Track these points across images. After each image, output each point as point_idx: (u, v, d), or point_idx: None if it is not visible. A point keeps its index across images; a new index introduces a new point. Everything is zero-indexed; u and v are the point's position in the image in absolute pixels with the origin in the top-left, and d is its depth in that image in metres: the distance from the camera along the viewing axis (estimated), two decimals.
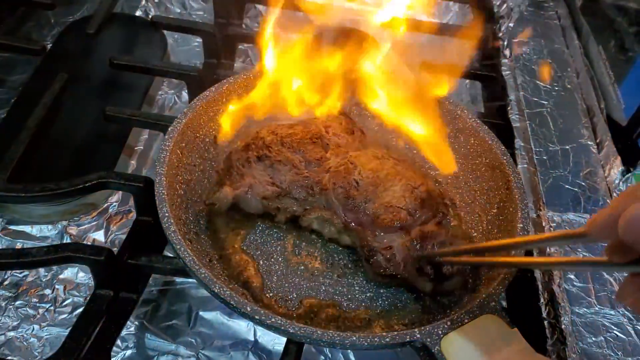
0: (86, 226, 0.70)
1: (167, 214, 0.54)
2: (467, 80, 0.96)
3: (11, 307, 0.61)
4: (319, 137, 0.64)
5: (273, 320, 0.48)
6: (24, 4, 0.90)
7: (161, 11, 1.03)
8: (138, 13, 1.00)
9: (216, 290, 0.49)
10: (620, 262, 0.36)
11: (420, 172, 0.64)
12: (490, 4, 1.03)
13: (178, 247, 0.52)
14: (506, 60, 0.92)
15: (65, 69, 0.79)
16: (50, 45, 0.88)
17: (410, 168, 0.63)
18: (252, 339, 0.61)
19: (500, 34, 0.98)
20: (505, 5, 1.03)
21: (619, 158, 0.74)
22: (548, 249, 0.63)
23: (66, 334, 0.55)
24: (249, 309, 0.48)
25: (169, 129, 0.62)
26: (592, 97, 0.85)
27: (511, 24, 0.99)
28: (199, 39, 0.91)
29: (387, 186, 0.60)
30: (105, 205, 0.72)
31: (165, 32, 0.92)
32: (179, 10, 1.05)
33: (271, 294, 0.58)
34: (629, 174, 0.73)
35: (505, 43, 0.96)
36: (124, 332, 0.59)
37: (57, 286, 0.64)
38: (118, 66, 0.79)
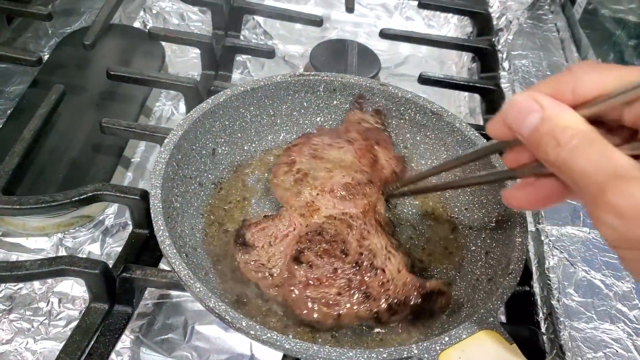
0: (82, 238, 0.69)
1: (162, 227, 0.53)
2: (466, 93, 0.96)
3: (5, 320, 0.61)
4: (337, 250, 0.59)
5: (269, 335, 0.47)
6: (21, 14, 0.90)
7: (159, 22, 1.03)
8: (136, 24, 1.00)
9: (211, 305, 0.48)
10: (512, 167, 0.45)
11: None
12: (488, 17, 1.03)
13: (173, 260, 0.51)
14: (505, 73, 0.92)
15: (62, 80, 0.79)
16: (47, 56, 0.88)
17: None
18: (249, 353, 0.61)
19: (499, 47, 0.98)
20: (504, 18, 1.03)
21: None
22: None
23: (60, 347, 0.54)
24: (244, 324, 0.47)
25: (165, 140, 0.61)
26: None
27: (510, 37, 0.99)
28: (197, 50, 0.91)
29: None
30: (101, 217, 0.71)
31: (163, 43, 0.92)
32: (177, 22, 1.05)
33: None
34: None
35: (504, 55, 0.96)
36: (119, 346, 0.58)
37: (51, 299, 0.63)
38: (115, 77, 0.78)
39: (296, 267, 0.55)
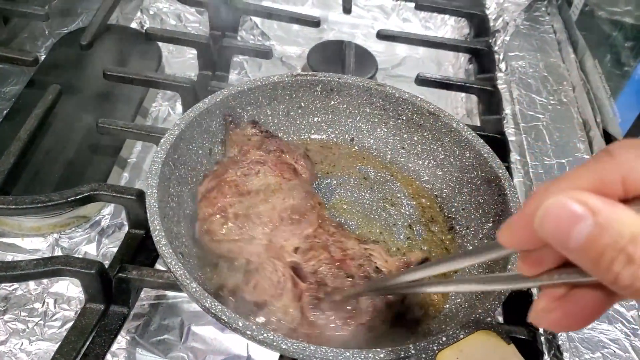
0: (78, 239, 0.69)
1: (158, 227, 0.53)
2: (463, 94, 0.96)
3: (0, 320, 0.60)
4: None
5: (265, 335, 0.47)
6: (18, 15, 0.90)
7: (156, 23, 1.03)
8: (133, 25, 1.00)
9: (207, 305, 0.48)
10: (532, 273, 0.33)
11: None
12: (485, 18, 1.03)
13: (169, 260, 0.51)
14: (502, 74, 0.92)
15: (58, 81, 0.78)
16: (44, 56, 0.88)
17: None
18: (245, 354, 0.60)
19: (496, 48, 0.98)
20: (500, 19, 1.03)
21: None
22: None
23: (55, 348, 0.54)
24: (240, 324, 0.47)
25: (161, 140, 0.61)
26: (588, 110, 0.85)
27: (507, 38, 0.99)
28: (194, 51, 0.91)
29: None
30: (97, 217, 0.71)
31: (159, 43, 0.92)
32: (174, 22, 1.04)
33: None
34: None
35: (501, 57, 0.96)
36: (114, 347, 0.58)
37: (47, 300, 0.63)
38: (112, 78, 0.78)
39: (315, 313, 0.53)
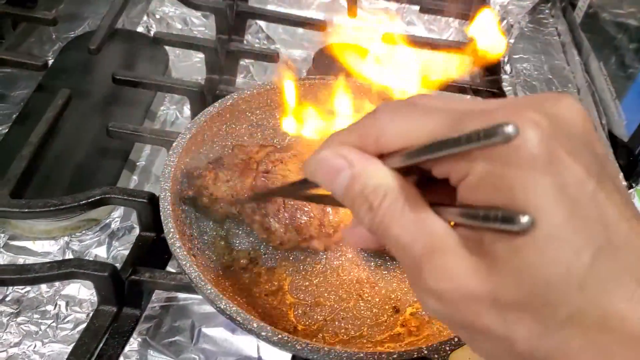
0: (88, 242, 0.69)
1: (172, 230, 0.54)
2: (468, 96, 0.97)
3: (13, 323, 0.61)
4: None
5: (280, 337, 0.47)
6: (26, 19, 0.90)
7: (162, 27, 1.03)
8: (140, 29, 1.00)
9: (222, 307, 0.49)
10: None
11: None
12: None
13: (184, 262, 0.51)
14: (507, 76, 0.93)
15: (66, 85, 0.78)
16: (52, 60, 0.88)
17: None
18: (256, 355, 0.61)
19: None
20: (505, 22, 1.04)
21: (621, 174, 0.74)
22: None
23: (68, 350, 0.54)
24: (255, 325, 0.48)
25: (174, 144, 0.62)
26: (594, 113, 0.85)
27: (511, 40, 1.00)
28: (200, 55, 0.92)
29: None
30: (108, 220, 0.71)
31: (166, 47, 0.92)
32: (180, 26, 1.05)
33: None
34: (632, 190, 0.73)
35: (506, 59, 0.96)
36: (126, 349, 0.58)
37: (59, 302, 0.63)
38: (121, 82, 0.79)
39: None
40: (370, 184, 0.31)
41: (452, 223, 0.29)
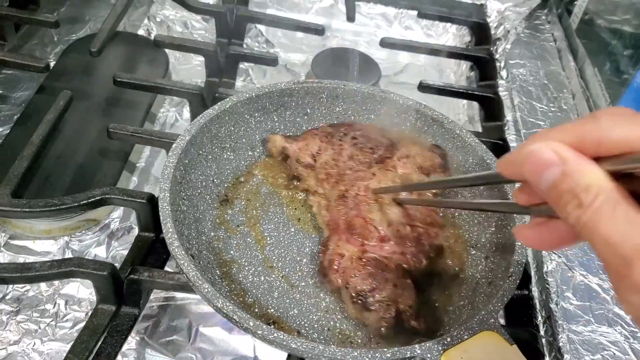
0: (88, 242, 0.70)
1: (171, 229, 0.54)
2: (465, 101, 0.98)
3: (12, 321, 0.62)
4: (377, 149, 0.71)
5: (275, 335, 0.48)
6: (29, 22, 0.91)
7: (163, 30, 1.04)
8: (140, 32, 1.01)
9: (219, 305, 0.49)
10: (524, 204, 0.40)
11: (435, 220, 0.66)
12: (487, 26, 1.05)
13: (182, 262, 0.52)
14: (503, 82, 0.94)
15: (68, 86, 0.80)
16: (54, 62, 0.89)
17: (426, 211, 0.65)
18: (252, 354, 0.62)
19: (497, 56, 1.00)
20: (502, 28, 1.05)
21: None
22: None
23: (67, 348, 0.55)
24: (251, 324, 0.49)
25: (173, 145, 0.62)
26: None
27: (508, 46, 1.01)
28: (201, 58, 0.93)
29: (382, 209, 0.63)
30: (107, 221, 0.72)
31: (167, 50, 0.93)
32: (180, 30, 1.06)
33: (272, 310, 0.58)
34: None
35: (502, 64, 0.97)
36: (124, 347, 0.59)
37: (58, 301, 0.64)
38: (122, 84, 0.80)
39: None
40: (582, 182, 0.32)
41: None
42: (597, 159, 0.33)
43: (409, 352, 0.49)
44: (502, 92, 0.91)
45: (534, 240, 0.40)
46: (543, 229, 0.39)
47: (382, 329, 0.56)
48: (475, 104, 0.95)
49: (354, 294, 0.57)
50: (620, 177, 0.32)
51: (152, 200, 0.63)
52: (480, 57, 0.99)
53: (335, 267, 0.59)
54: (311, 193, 0.68)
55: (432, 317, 0.59)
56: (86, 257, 0.69)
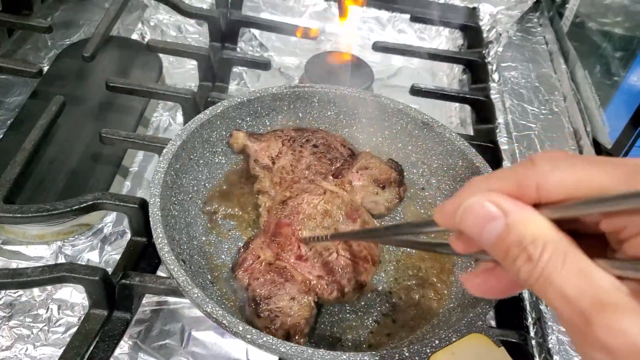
0: (80, 246, 0.70)
1: (161, 235, 0.55)
2: (457, 104, 0.98)
3: (5, 326, 0.62)
4: (336, 161, 0.70)
5: (265, 339, 0.48)
6: (22, 27, 0.91)
7: (157, 35, 1.05)
8: (134, 36, 1.01)
9: (209, 310, 0.50)
10: (461, 251, 0.37)
11: (370, 257, 0.63)
12: (479, 30, 1.05)
13: (171, 267, 0.52)
14: (495, 84, 0.94)
15: (61, 91, 0.80)
16: (47, 67, 0.89)
17: (365, 246, 0.62)
18: (245, 358, 0.62)
19: (489, 59, 1.00)
20: (494, 31, 1.05)
21: None
22: None
23: (60, 353, 0.55)
24: (240, 328, 0.49)
25: (164, 150, 0.63)
26: (579, 120, 0.87)
27: (500, 49, 1.01)
28: (194, 62, 0.93)
29: (315, 230, 0.61)
30: (100, 225, 0.72)
31: (160, 55, 0.93)
32: (174, 34, 1.06)
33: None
34: None
35: (494, 67, 0.98)
36: (117, 352, 0.59)
37: (51, 306, 0.64)
38: (115, 89, 0.80)
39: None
40: (528, 234, 0.30)
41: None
42: (538, 206, 0.32)
43: (397, 355, 0.49)
44: (494, 95, 0.91)
45: (483, 289, 0.37)
46: (491, 277, 0.36)
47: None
48: (467, 107, 0.95)
49: (250, 296, 0.57)
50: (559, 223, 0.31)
51: (144, 205, 0.64)
52: (473, 60, 0.99)
53: (245, 266, 0.59)
54: (262, 193, 0.68)
55: (420, 318, 0.60)
56: (79, 261, 0.69)
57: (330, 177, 0.68)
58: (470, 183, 0.34)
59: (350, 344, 0.58)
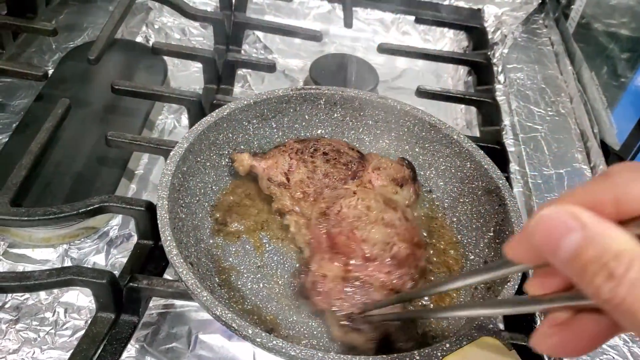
0: (87, 249, 0.70)
1: (169, 237, 0.55)
2: (463, 106, 0.98)
3: (12, 330, 0.62)
4: (351, 164, 0.69)
5: (274, 342, 0.48)
6: (27, 30, 0.91)
7: (161, 37, 1.04)
8: (139, 39, 1.01)
9: (218, 313, 0.49)
10: (536, 292, 0.34)
11: (421, 241, 0.64)
12: (484, 31, 1.05)
13: (180, 270, 0.52)
14: (500, 86, 0.94)
15: (66, 94, 0.80)
16: (52, 70, 0.89)
17: (413, 231, 0.63)
18: None
19: (495, 60, 1.00)
20: (499, 32, 1.05)
21: None
22: None
23: (67, 357, 0.55)
24: (250, 331, 0.49)
25: (171, 153, 0.63)
26: (586, 121, 0.87)
27: (505, 50, 1.01)
28: (198, 65, 0.93)
29: (367, 228, 0.61)
30: (106, 229, 0.72)
31: (165, 57, 0.93)
32: (178, 37, 1.06)
33: (272, 317, 0.58)
34: None
35: (500, 69, 0.98)
36: (124, 355, 0.59)
37: (57, 309, 0.64)
38: (120, 92, 0.80)
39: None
40: (611, 250, 0.27)
41: None
42: (621, 223, 0.29)
43: (407, 359, 0.49)
44: (500, 97, 0.91)
45: (559, 349, 0.32)
46: (567, 332, 0.32)
47: (370, 350, 0.55)
48: (473, 109, 0.95)
49: (340, 317, 0.56)
50: None
51: (151, 208, 0.63)
52: (478, 61, 0.99)
53: (319, 290, 0.57)
54: (287, 212, 0.66)
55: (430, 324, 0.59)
56: (85, 265, 0.69)
57: (350, 181, 0.68)
58: (541, 205, 0.31)
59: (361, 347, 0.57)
